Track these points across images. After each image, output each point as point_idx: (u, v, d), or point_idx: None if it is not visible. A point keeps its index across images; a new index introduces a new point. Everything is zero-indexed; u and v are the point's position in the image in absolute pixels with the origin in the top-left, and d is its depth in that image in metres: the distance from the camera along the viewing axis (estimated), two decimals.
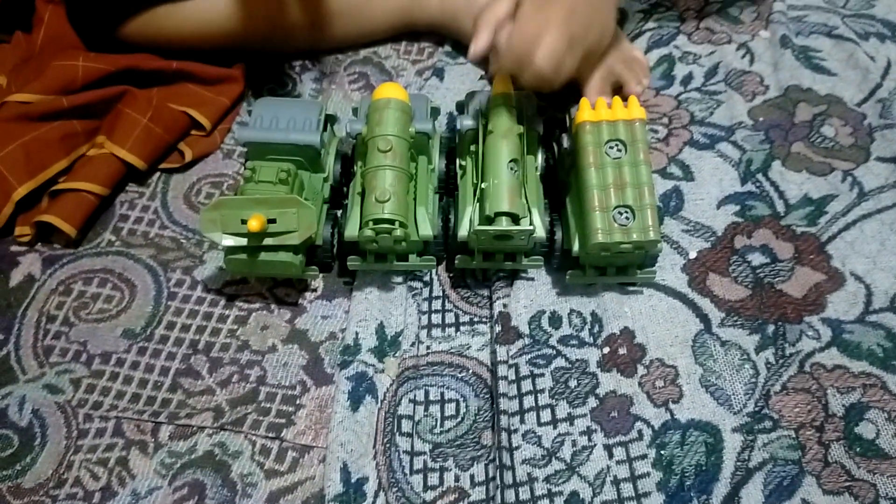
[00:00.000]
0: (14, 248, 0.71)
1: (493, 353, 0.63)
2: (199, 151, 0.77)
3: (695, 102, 0.78)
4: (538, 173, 0.67)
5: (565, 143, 0.65)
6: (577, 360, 0.62)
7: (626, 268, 0.63)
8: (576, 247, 0.62)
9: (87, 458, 0.59)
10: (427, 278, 0.68)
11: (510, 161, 0.61)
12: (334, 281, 0.69)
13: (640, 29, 0.85)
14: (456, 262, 0.65)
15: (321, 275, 0.68)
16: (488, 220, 0.60)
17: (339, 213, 0.67)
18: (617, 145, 0.61)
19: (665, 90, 0.80)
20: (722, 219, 0.69)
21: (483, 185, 0.61)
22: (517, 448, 0.57)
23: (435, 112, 0.68)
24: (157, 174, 0.76)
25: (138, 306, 0.67)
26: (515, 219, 0.59)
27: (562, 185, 0.67)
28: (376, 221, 0.59)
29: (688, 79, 0.80)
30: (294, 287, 0.68)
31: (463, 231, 0.62)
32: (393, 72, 0.84)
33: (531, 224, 0.60)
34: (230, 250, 0.61)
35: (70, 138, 0.71)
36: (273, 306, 0.67)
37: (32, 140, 0.69)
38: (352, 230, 0.61)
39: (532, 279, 0.67)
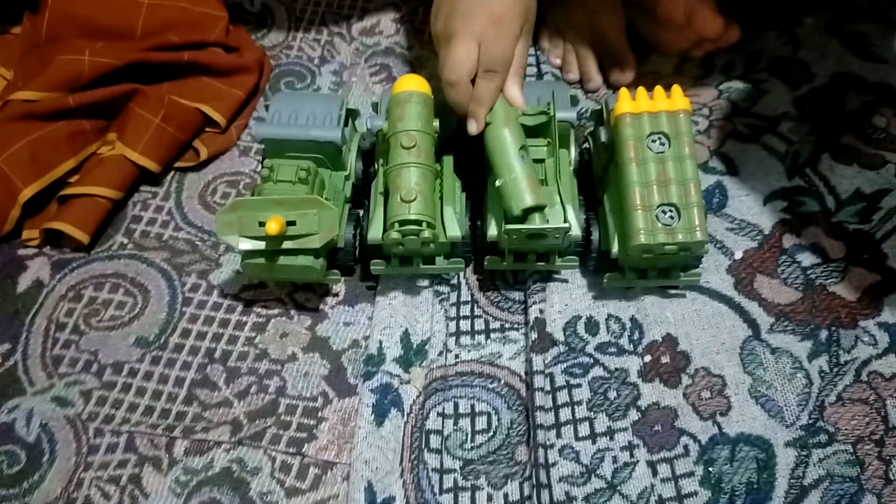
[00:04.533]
0: (21, 251, 0.68)
1: (529, 361, 0.59)
2: (214, 149, 0.74)
3: (737, 92, 0.75)
4: (572, 168, 0.64)
5: (602, 136, 0.61)
6: (616, 369, 0.59)
7: (668, 270, 0.60)
8: (615, 248, 0.58)
9: (97, 476, 0.57)
10: (454, 282, 0.65)
11: (519, 149, 0.57)
12: (357, 285, 0.66)
13: None
14: (485, 263, 0.61)
15: (343, 279, 0.65)
16: (516, 219, 0.56)
17: (362, 213, 0.64)
18: (660, 139, 0.57)
19: (704, 79, 0.76)
20: (769, 216, 0.66)
21: (498, 183, 0.57)
22: (554, 465, 0.55)
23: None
24: (171, 173, 0.73)
25: (152, 313, 0.65)
26: (542, 211, 0.56)
27: (598, 181, 0.64)
28: (402, 223, 0.56)
29: (728, 67, 0.77)
30: (315, 292, 0.65)
31: (492, 231, 0.58)
32: (416, 63, 0.81)
33: (566, 221, 0.57)
34: (247, 254, 0.58)
35: (78, 136, 0.68)
36: (293, 312, 0.64)
37: (38, 139, 0.66)
38: (375, 233, 0.58)
39: (566, 281, 0.64)
